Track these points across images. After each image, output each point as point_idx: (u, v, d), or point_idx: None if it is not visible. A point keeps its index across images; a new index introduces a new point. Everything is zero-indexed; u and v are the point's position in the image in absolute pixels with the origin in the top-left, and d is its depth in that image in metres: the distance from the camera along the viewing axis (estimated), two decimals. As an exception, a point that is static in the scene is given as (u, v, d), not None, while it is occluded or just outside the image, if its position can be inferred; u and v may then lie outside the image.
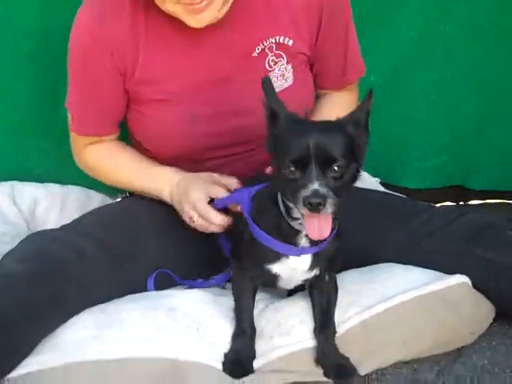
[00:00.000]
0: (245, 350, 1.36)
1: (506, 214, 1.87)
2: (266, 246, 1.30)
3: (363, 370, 1.38)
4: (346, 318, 1.39)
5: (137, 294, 1.47)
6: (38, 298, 1.31)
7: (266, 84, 1.23)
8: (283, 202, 1.27)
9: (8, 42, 1.77)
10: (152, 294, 1.47)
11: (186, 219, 1.44)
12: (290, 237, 1.29)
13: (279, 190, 1.26)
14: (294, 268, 1.31)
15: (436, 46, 1.92)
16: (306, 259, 1.31)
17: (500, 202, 2.15)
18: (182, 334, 1.36)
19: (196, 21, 1.36)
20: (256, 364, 1.35)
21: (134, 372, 1.31)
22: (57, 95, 1.74)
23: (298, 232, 1.28)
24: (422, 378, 1.42)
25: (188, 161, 1.54)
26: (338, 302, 1.40)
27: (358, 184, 1.26)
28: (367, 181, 1.87)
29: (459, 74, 1.95)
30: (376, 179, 1.99)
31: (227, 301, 1.44)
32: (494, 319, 1.49)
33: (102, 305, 1.42)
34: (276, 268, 1.32)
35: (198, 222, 1.42)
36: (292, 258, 1.30)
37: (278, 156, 1.22)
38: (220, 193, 1.41)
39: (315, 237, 1.19)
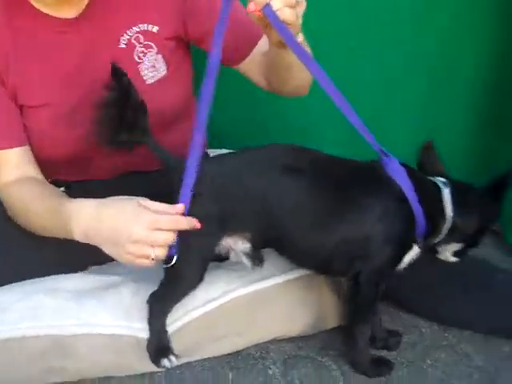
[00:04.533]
0: None
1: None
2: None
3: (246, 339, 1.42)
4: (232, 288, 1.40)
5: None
6: None
7: None
8: None
9: None
10: (36, 280, 1.43)
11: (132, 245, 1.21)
12: None
13: None
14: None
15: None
16: None
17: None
18: (60, 309, 1.34)
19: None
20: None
21: (16, 352, 1.30)
22: None
23: None
24: (305, 354, 1.44)
25: (77, 162, 1.49)
26: (220, 277, 1.42)
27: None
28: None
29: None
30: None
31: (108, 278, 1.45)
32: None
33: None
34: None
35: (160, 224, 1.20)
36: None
37: None
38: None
39: None
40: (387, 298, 1.50)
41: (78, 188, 1.55)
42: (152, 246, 1.20)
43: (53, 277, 1.44)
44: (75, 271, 1.48)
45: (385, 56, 1.98)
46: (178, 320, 1.37)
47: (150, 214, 1.20)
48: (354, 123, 1.24)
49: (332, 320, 1.47)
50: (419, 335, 1.51)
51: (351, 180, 1.30)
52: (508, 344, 1.49)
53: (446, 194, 1.30)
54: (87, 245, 1.33)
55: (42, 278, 1.43)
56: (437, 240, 1.34)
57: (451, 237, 1.33)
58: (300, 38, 1.25)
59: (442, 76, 2.00)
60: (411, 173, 1.29)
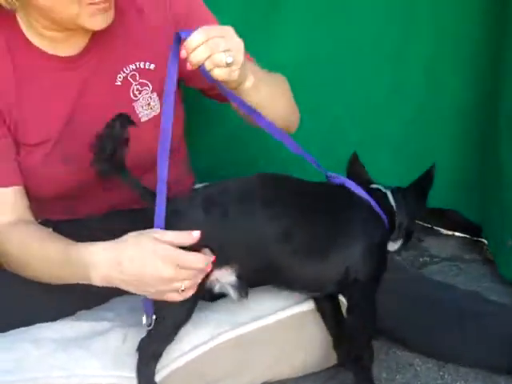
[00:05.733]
0: None
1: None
2: None
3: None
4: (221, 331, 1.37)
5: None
6: None
7: None
8: None
9: None
10: (21, 329, 1.39)
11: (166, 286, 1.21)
12: None
13: None
14: None
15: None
16: None
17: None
18: (46, 360, 1.31)
19: (101, 20, 1.31)
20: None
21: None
22: None
23: None
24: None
25: (65, 199, 1.48)
26: (208, 321, 1.39)
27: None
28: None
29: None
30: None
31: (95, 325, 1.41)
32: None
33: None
34: None
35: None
36: None
37: None
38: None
39: None
40: (382, 334, 1.50)
41: (66, 227, 1.52)
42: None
43: (37, 325, 1.40)
44: (63, 317, 1.45)
45: (369, 83, 1.99)
46: (165, 367, 1.33)
47: (169, 250, 1.19)
48: (294, 150, 1.34)
49: (323, 361, 1.45)
50: (414, 374, 1.49)
51: (331, 202, 1.36)
52: (503, 380, 1.46)
53: (390, 196, 1.39)
54: (75, 291, 1.33)
55: (26, 328, 1.39)
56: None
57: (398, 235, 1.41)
58: (250, 81, 1.31)
59: (426, 103, 2.01)
60: (364, 187, 1.37)
